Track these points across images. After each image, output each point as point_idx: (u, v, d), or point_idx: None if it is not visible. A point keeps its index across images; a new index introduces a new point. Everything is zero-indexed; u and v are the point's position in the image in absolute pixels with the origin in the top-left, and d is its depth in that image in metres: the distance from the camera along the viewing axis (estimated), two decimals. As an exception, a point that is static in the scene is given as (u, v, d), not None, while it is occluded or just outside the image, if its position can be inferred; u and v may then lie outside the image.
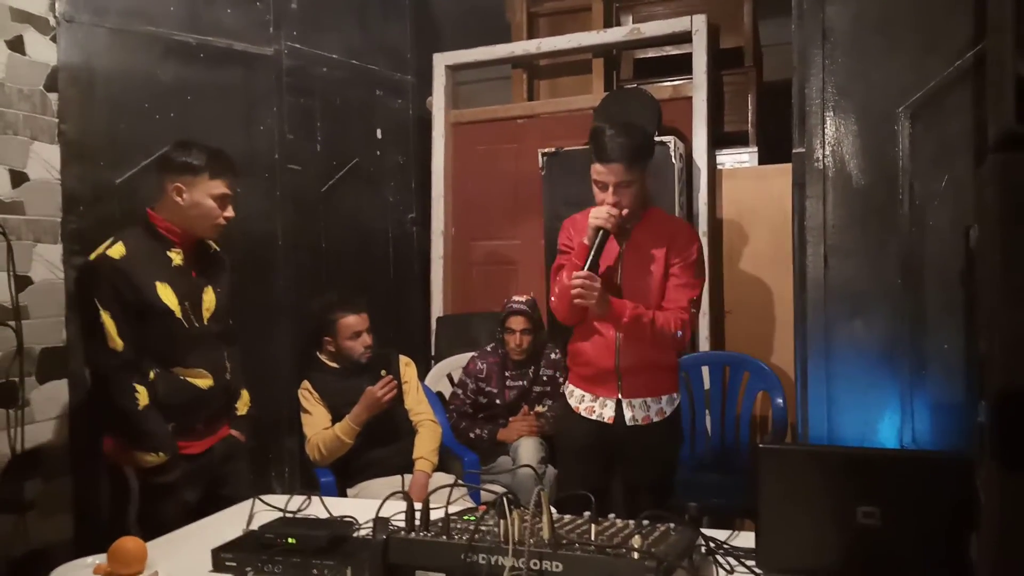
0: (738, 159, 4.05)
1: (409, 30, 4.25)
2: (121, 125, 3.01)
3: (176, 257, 2.35)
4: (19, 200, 2.73)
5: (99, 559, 1.67)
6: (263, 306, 3.44)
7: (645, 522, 1.54)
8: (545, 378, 3.52)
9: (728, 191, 3.96)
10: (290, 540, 1.61)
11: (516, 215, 4.26)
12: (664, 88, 4.03)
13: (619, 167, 2.31)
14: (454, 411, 3.53)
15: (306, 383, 3.21)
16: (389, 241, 4.15)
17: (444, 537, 1.50)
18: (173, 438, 2.31)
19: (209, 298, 2.43)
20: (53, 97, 2.85)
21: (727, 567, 1.61)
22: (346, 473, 3.13)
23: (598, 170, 2.35)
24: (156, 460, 2.26)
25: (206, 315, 2.40)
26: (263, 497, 2.07)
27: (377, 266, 4.09)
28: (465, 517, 1.61)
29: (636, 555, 1.39)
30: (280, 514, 1.92)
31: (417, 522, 1.55)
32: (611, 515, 1.60)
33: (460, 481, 2.98)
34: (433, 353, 4.21)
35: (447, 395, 3.70)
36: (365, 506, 1.94)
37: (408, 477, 3.06)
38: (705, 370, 3.61)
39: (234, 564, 1.61)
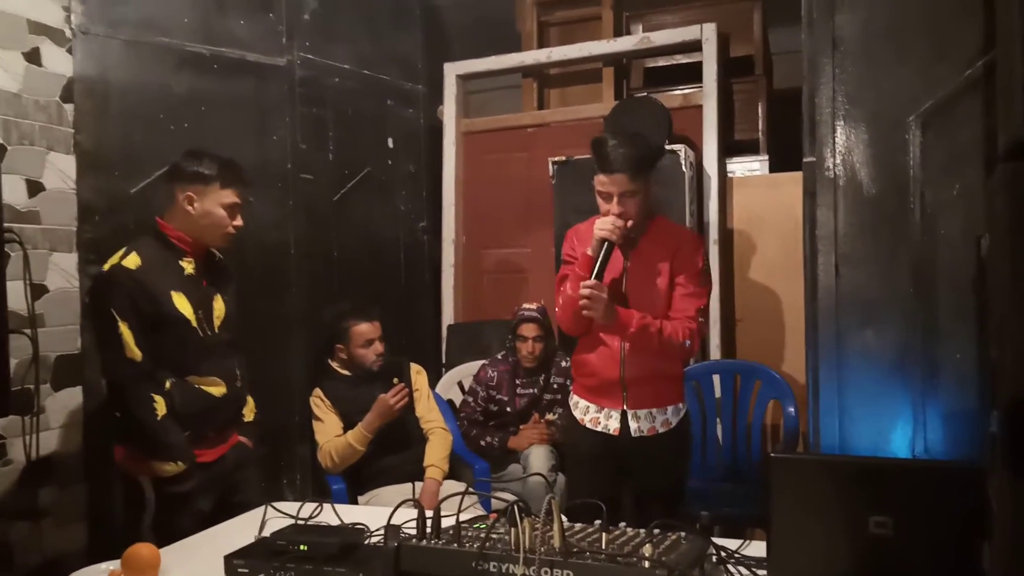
0: (749, 167, 4.04)
1: (420, 40, 4.28)
2: (136, 136, 3.04)
3: (188, 266, 2.37)
4: (35, 209, 2.76)
5: (113, 565, 1.68)
6: (276, 315, 3.47)
7: (656, 531, 1.53)
8: (556, 386, 3.51)
9: (739, 199, 3.95)
10: (302, 547, 1.61)
11: (526, 224, 4.27)
12: (674, 97, 4.04)
13: (623, 177, 2.30)
14: (465, 419, 3.54)
15: (318, 391, 3.23)
16: (400, 249, 4.17)
17: (455, 545, 1.51)
18: (190, 447, 2.32)
19: (219, 306, 2.44)
20: (69, 108, 2.88)
21: (738, 576, 1.60)
22: (357, 480, 3.14)
23: (602, 181, 2.34)
24: (175, 469, 2.27)
25: (217, 323, 2.42)
26: (275, 504, 2.07)
27: (389, 274, 4.11)
28: (476, 525, 1.62)
29: (647, 564, 1.39)
30: (292, 521, 1.92)
31: (428, 530, 1.56)
32: (622, 524, 1.60)
33: (471, 489, 2.97)
34: (444, 361, 4.22)
35: (458, 403, 3.71)
36: (376, 513, 1.94)
37: (419, 485, 3.06)
38: (716, 378, 3.58)
39: (246, 571, 1.62)
